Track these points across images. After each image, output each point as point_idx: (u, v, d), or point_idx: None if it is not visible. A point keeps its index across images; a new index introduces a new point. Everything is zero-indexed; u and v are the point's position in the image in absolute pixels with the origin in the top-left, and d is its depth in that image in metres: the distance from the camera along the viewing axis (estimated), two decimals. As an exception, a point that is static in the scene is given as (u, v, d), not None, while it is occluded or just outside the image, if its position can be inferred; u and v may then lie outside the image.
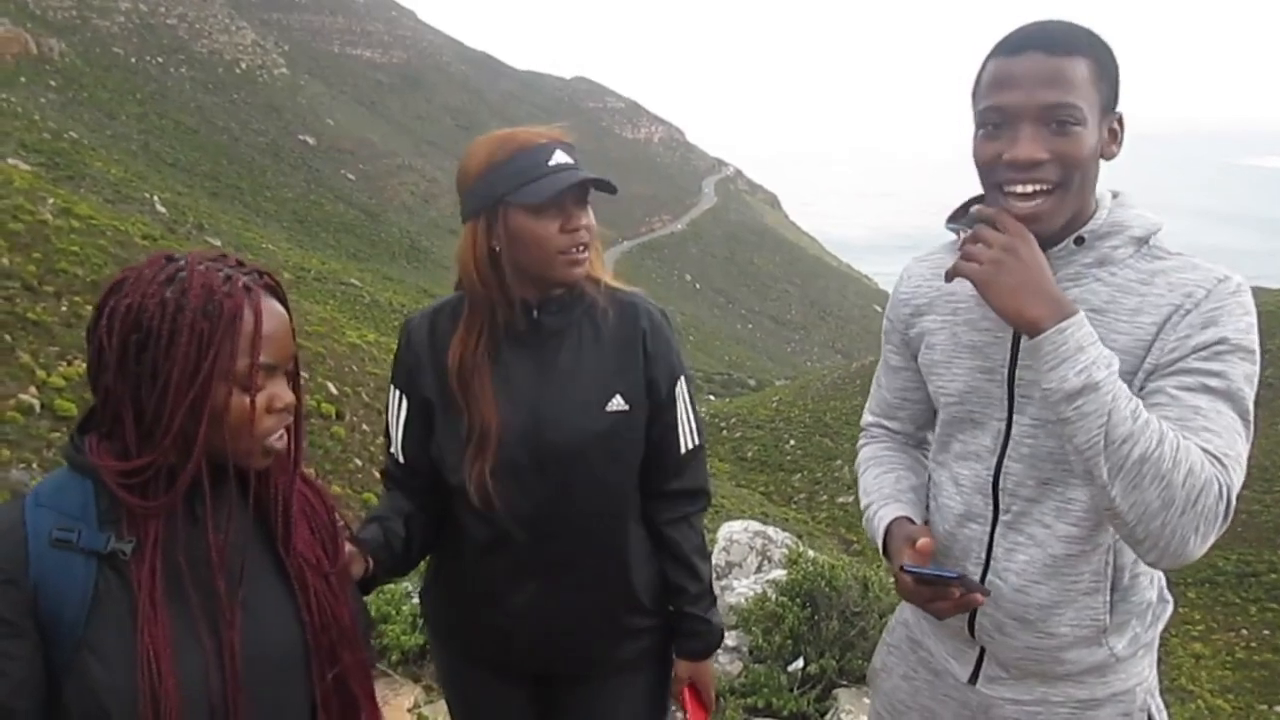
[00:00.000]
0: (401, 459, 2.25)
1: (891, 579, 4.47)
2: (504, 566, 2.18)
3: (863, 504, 2.10)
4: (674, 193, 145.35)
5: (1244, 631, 32.00)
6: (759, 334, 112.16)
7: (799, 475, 47.08)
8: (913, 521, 1.94)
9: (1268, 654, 30.30)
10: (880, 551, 2.01)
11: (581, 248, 2.08)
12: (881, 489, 2.05)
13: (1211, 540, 1.60)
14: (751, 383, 76.39)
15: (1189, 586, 34.13)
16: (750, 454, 50.04)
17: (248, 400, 1.45)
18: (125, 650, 1.39)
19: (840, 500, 41.33)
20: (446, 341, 2.16)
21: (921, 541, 1.80)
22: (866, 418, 2.23)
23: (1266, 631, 31.76)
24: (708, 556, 2.38)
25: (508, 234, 2.06)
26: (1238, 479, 1.60)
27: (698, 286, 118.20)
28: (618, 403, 2.14)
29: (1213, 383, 1.63)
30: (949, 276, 1.76)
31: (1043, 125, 1.67)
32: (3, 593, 1.36)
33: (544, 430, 2.11)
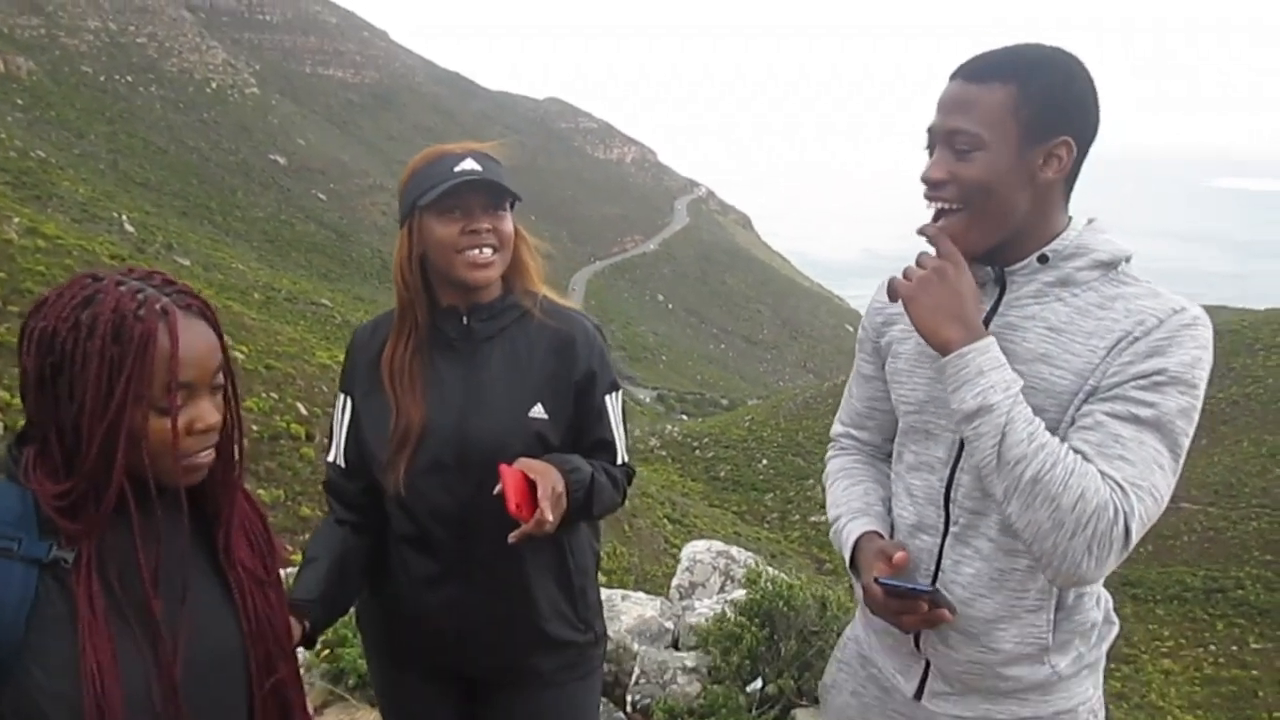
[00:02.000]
0: (343, 463, 2.31)
1: (851, 598, 4.52)
2: (426, 565, 2.24)
3: (830, 515, 2.12)
4: (646, 213, 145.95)
5: (1212, 647, 32.30)
6: (731, 354, 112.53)
7: (771, 495, 47.20)
8: (881, 536, 1.97)
9: (1235, 669, 30.58)
10: (847, 564, 2.04)
11: (486, 249, 2.15)
12: (850, 502, 2.07)
13: (1110, 564, 1.64)
14: (724, 402, 76.62)
15: (1158, 603, 34.46)
16: (723, 473, 50.12)
17: (167, 423, 1.43)
18: (67, 657, 1.38)
19: (813, 519, 41.44)
20: (383, 347, 2.25)
21: (898, 555, 1.83)
22: (836, 428, 2.26)
23: (1234, 647, 32.08)
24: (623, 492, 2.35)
25: (421, 237, 2.17)
26: (1144, 508, 1.64)
27: (670, 306, 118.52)
28: (538, 410, 2.21)
29: (1143, 413, 1.66)
30: (889, 294, 1.82)
31: (949, 149, 1.74)
32: None
33: (468, 431, 2.18)
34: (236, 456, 1.61)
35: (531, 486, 1.99)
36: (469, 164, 2.13)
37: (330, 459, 2.33)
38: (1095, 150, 1.80)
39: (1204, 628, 33.61)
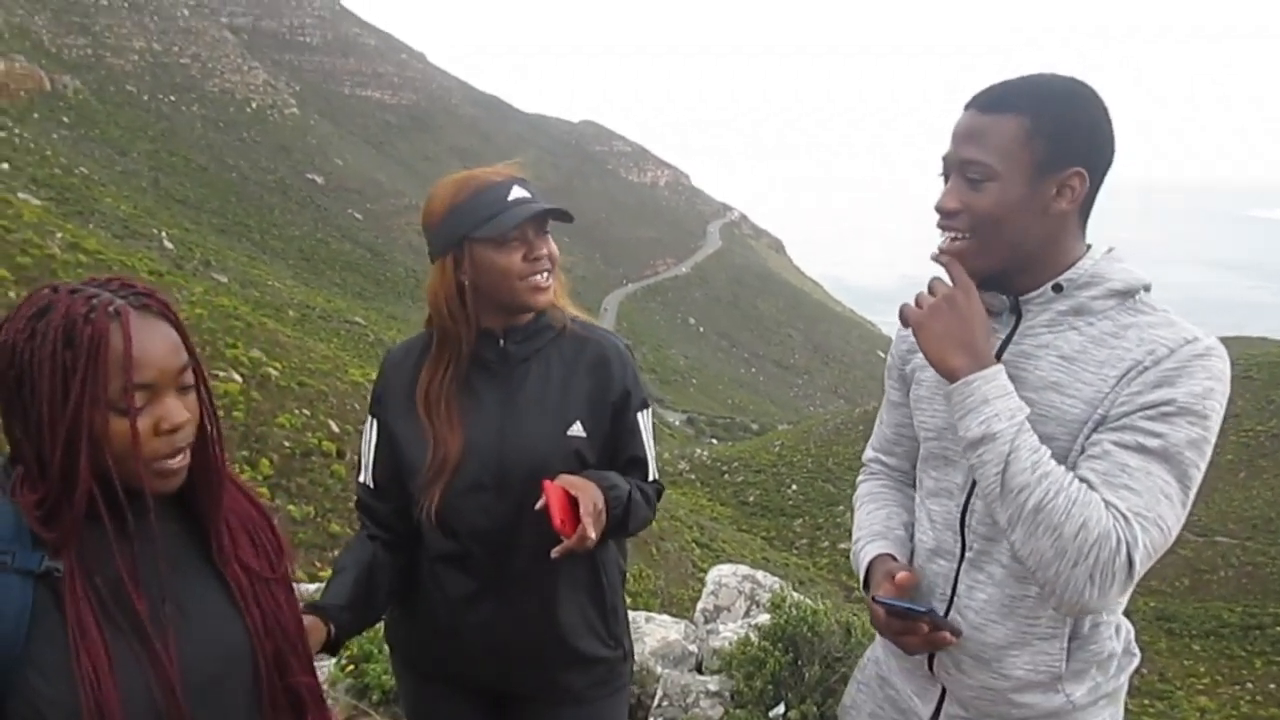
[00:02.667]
0: (371, 484, 2.35)
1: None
2: (463, 583, 2.27)
3: (853, 538, 2.15)
4: (679, 236, 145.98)
5: (1249, 685, 31.63)
6: (762, 378, 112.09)
7: (800, 520, 46.87)
8: (894, 558, 1.99)
9: (1273, 708, 29.91)
10: (862, 585, 2.06)
11: (546, 274, 2.22)
12: (871, 525, 2.11)
13: (1114, 593, 1.65)
14: (754, 427, 76.28)
15: (1194, 639, 33.84)
16: (752, 498, 49.85)
17: (127, 424, 1.44)
18: (65, 665, 1.41)
19: (842, 546, 41.08)
20: (418, 372, 2.28)
21: (901, 575, 1.85)
22: (867, 453, 2.29)
23: (1272, 685, 31.40)
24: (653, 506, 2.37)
25: (474, 268, 2.19)
26: (1148, 538, 1.64)
27: (701, 330, 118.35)
28: (577, 429, 2.25)
29: (1150, 443, 1.66)
30: (900, 318, 1.85)
31: (961, 178, 1.77)
32: None
33: (507, 451, 2.22)
34: (215, 458, 1.61)
35: (573, 502, 2.02)
36: (520, 192, 2.18)
37: (360, 479, 2.38)
38: (1134, 178, 1.80)
39: (1241, 665, 32.94)
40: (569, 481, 2.07)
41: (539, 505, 2.03)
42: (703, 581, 6.46)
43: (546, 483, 2.04)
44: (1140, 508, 1.64)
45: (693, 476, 51.51)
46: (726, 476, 52.36)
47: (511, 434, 2.22)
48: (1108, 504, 1.64)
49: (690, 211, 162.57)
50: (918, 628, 1.81)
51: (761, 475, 52.20)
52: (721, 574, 5.62)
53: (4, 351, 1.44)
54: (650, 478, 2.36)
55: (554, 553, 2.01)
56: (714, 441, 69.97)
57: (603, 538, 2.11)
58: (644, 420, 2.37)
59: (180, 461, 1.52)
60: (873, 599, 1.86)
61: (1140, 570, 1.65)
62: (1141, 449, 1.66)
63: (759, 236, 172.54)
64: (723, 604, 5.40)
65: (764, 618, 4.67)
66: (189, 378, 1.53)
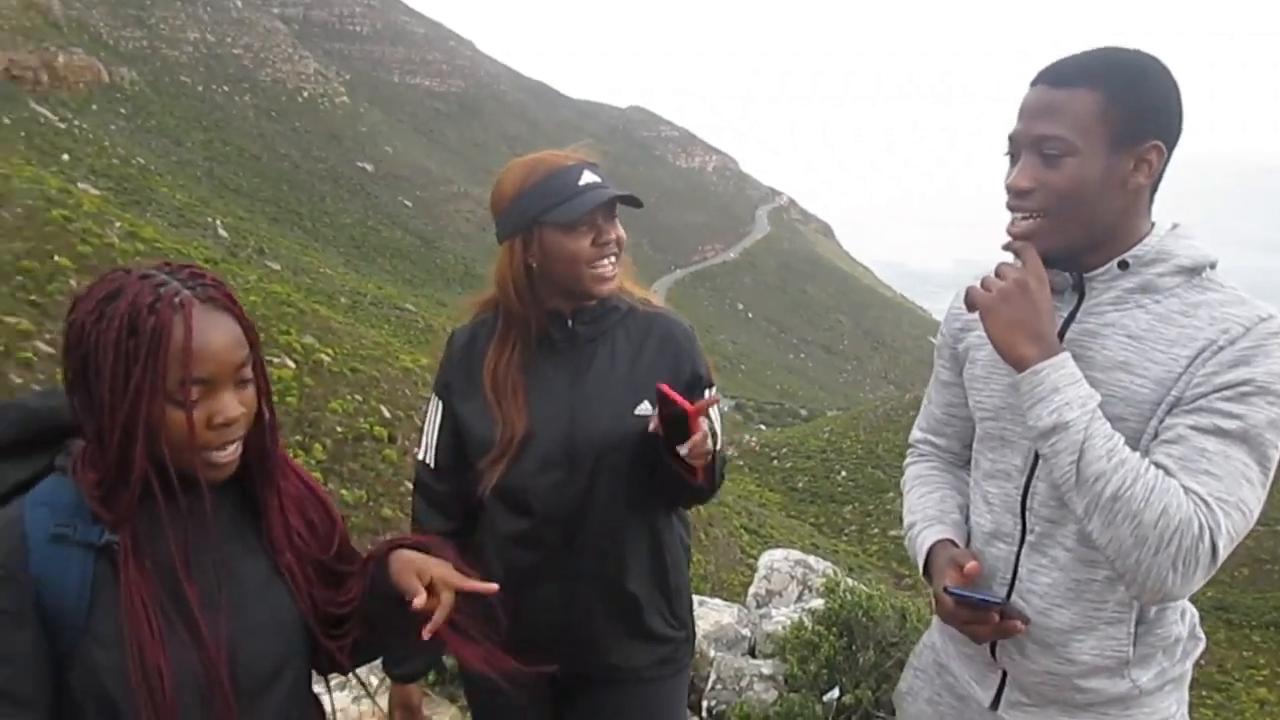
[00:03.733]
0: (433, 464, 2.37)
1: (931, 608, 4.45)
2: (530, 562, 2.28)
3: (906, 523, 2.11)
4: (727, 221, 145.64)
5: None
6: (811, 364, 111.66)
7: (850, 507, 46.69)
8: (955, 544, 1.95)
9: (1335, 700, 29.31)
10: (921, 571, 2.02)
11: (612, 259, 2.22)
12: (926, 509, 2.06)
13: (1197, 580, 1.60)
14: (803, 413, 76.03)
15: (1253, 629, 33.20)
16: (801, 485, 49.75)
17: (183, 415, 1.44)
18: (122, 635, 1.44)
19: (892, 533, 40.85)
20: (484, 353, 2.30)
21: (970, 565, 1.81)
22: (915, 434, 2.24)
23: (1334, 677, 30.77)
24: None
25: (543, 251, 2.19)
26: (1230, 523, 1.59)
27: (750, 315, 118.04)
28: (645, 408, 2.24)
29: (1228, 425, 1.61)
30: (966, 305, 1.81)
31: (1036, 155, 1.71)
32: (4, 588, 1.42)
33: (577, 430, 2.22)
34: (271, 448, 1.62)
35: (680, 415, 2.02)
36: (591, 177, 2.17)
37: (420, 457, 2.40)
38: (1195, 155, 1.75)
39: (1302, 656, 32.34)
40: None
41: (654, 424, 2.07)
42: (752, 567, 6.44)
43: (660, 385, 2.03)
44: (1221, 492, 1.60)
45: (741, 462, 51.46)
46: (775, 462, 52.28)
47: (581, 413, 2.23)
48: (1187, 490, 1.60)
49: (739, 196, 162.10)
50: (988, 617, 1.77)
51: (810, 461, 52.07)
52: (773, 559, 5.60)
53: (74, 330, 1.46)
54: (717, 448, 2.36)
55: (682, 449, 2.02)
56: (762, 427, 69.83)
57: (685, 487, 2.13)
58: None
59: (232, 454, 1.53)
60: (944, 589, 1.81)
61: (1224, 556, 1.61)
62: (1220, 431, 1.62)
63: (808, 221, 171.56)
64: (775, 589, 5.39)
65: (817, 602, 4.65)
66: (247, 371, 1.53)
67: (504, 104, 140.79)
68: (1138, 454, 1.64)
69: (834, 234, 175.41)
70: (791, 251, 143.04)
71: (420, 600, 1.57)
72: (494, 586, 1.62)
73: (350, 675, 1.81)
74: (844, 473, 50.05)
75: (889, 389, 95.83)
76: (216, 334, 1.48)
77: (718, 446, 2.36)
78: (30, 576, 1.43)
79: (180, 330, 1.42)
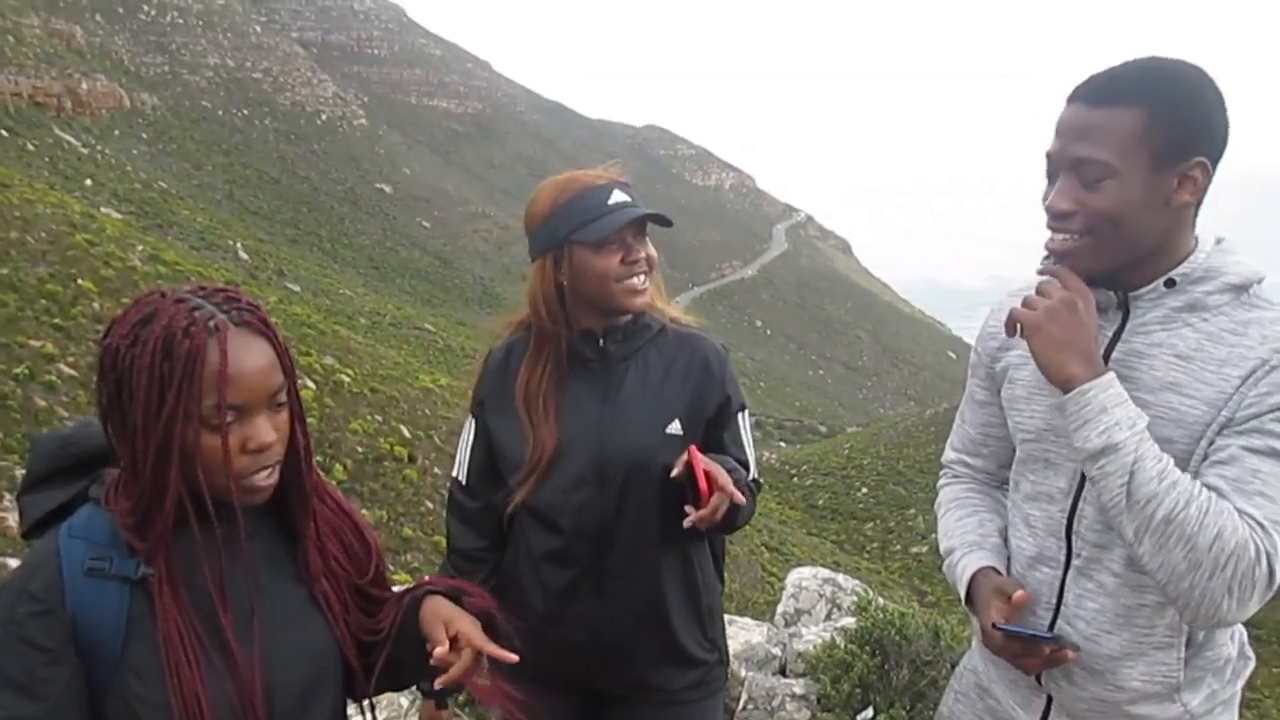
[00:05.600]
0: (465, 480, 2.38)
1: (964, 627, 4.40)
2: (562, 580, 2.27)
3: (943, 548, 2.04)
4: (744, 239, 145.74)
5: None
6: (830, 380, 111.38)
7: (871, 524, 46.42)
8: (998, 571, 1.89)
9: (1368, 718, 28.87)
10: (963, 601, 1.96)
11: (642, 277, 2.21)
12: (965, 534, 1.99)
13: (1253, 605, 1.56)
14: (823, 429, 75.77)
15: (1282, 645, 32.78)
16: (821, 502, 49.53)
17: (218, 440, 1.42)
18: (160, 668, 1.43)
19: (914, 550, 40.60)
20: (518, 371, 2.31)
21: (1018, 595, 1.76)
22: (949, 454, 2.18)
23: (1366, 694, 30.30)
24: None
25: (573, 269, 2.19)
26: None
27: (768, 332, 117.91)
28: (675, 427, 2.24)
29: None
30: (1008, 326, 1.76)
31: (1074, 177, 1.66)
32: (41, 623, 1.41)
33: (608, 448, 2.22)
34: (305, 473, 1.60)
35: (705, 476, 2.03)
36: (621, 196, 2.18)
37: (454, 475, 2.41)
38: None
39: (1332, 672, 31.87)
40: (702, 457, 2.07)
41: (677, 471, 2.05)
42: (775, 585, 6.39)
43: (692, 447, 2.06)
44: (1277, 515, 1.55)
45: (761, 480, 51.22)
46: (795, 479, 52.10)
47: (611, 431, 2.23)
48: (1241, 512, 1.55)
49: (756, 214, 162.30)
50: (1038, 650, 1.72)
51: (831, 478, 51.87)
52: (801, 577, 5.56)
53: (109, 354, 1.44)
54: (752, 477, 2.34)
55: (686, 522, 2.02)
56: (782, 444, 69.62)
57: (716, 525, 2.09)
58: (744, 421, 2.36)
59: (268, 478, 1.51)
60: (993, 626, 1.75)
61: None
62: (1274, 453, 1.57)
63: (825, 238, 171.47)
64: (803, 607, 5.34)
65: (847, 621, 4.61)
66: (282, 396, 1.51)
67: (521, 124, 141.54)
68: (1189, 476, 1.59)
69: (852, 250, 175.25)
70: (809, 268, 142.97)
71: (441, 653, 1.55)
72: (514, 657, 1.58)
73: (365, 701, 1.77)
74: (865, 489, 49.81)
75: (909, 405, 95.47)
76: (251, 358, 1.45)
77: (752, 475, 2.33)
78: (67, 611, 1.41)
79: (215, 355, 1.40)
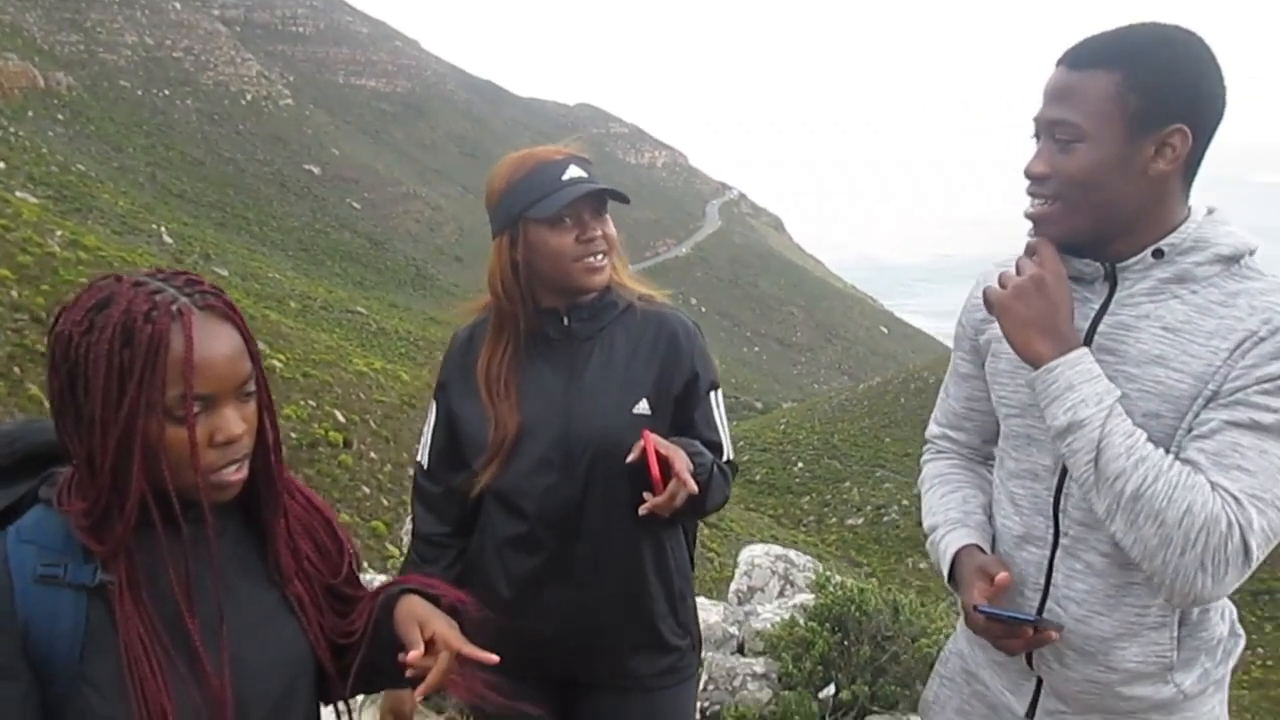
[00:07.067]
0: (426, 465, 2.34)
1: (923, 602, 4.44)
2: (527, 566, 2.23)
3: (926, 525, 2.02)
4: (678, 217, 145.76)
5: (1260, 650, 31.65)
6: (765, 356, 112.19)
7: (807, 498, 46.88)
8: (981, 549, 1.86)
9: (1287, 671, 29.95)
10: (945, 579, 1.93)
11: (599, 255, 2.18)
12: (948, 511, 1.97)
13: (1230, 581, 1.55)
14: (758, 405, 76.27)
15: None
16: (758, 477, 49.85)
17: (184, 433, 1.33)
18: (120, 681, 1.34)
19: (849, 522, 41.07)
20: (479, 353, 2.26)
21: (1000, 576, 1.73)
22: (932, 429, 2.15)
23: (1285, 649, 31.44)
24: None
25: (528, 247, 2.16)
26: (1265, 520, 1.53)
27: (703, 310, 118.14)
28: (643, 406, 2.20)
29: (1265, 419, 1.55)
30: (985, 303, 1.75)
31: (1050, 140, 1.66)
32: None
33: (573, 430, 2.18)
34: (275, 467, 1.51)
35: (662, 461, 1.98)
36: (575, 171, 2.13)
37: (417, 459, 2.37)
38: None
39: (1251, 629, 32.64)
40: (658, 441, 2.03)
41: (633, 456, 2.00)
42: (715, 561, 6.39)
43: (646, 431, 2.02)
44: (1254, 488, 1.53)
45: (735, 460, 51.46)
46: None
47: (577, 412, 2.19)
48: (1215, 486, 1.54)
49: (689, 192, 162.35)
50: (1022, 631, 1.70)
51: (767, 454, 52.22)
52: (754, 554, 5.56)
53: (60, 343, 1.32)
54: (726, 458, 2.30)
55: (642, 510, 1.99)
56: (719, 422, 69.83)
57: (680, 511, 2.05)
58: (715, 400, 2.32)
59: (237, 473, 1.41)
60: (974, 609, 1.73)
61: (1259, 555, 1.55)
62: (1256, 426, 1.55)
63: (759, 215, 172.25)
64: (756, 585, 5.34)
65: (802, 597, 4.62)
66: (250, 385, 1.42)
67: (451, 103, 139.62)
68: (1160, 450, 1.58)
69: (785, 227, 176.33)
70: (743, 245, 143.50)
71: (415, 657, 1.48)
72: (495, 658, 1.51)
73: (340, 704, 1.68)
74: (800, 464, 50.24)
75: (843, 379, 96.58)
76: (218, 345, 1.36)
77: (725, 456, 2.29)
78: (18, 623, 1.31)
79: (179, 341, 1.31)
